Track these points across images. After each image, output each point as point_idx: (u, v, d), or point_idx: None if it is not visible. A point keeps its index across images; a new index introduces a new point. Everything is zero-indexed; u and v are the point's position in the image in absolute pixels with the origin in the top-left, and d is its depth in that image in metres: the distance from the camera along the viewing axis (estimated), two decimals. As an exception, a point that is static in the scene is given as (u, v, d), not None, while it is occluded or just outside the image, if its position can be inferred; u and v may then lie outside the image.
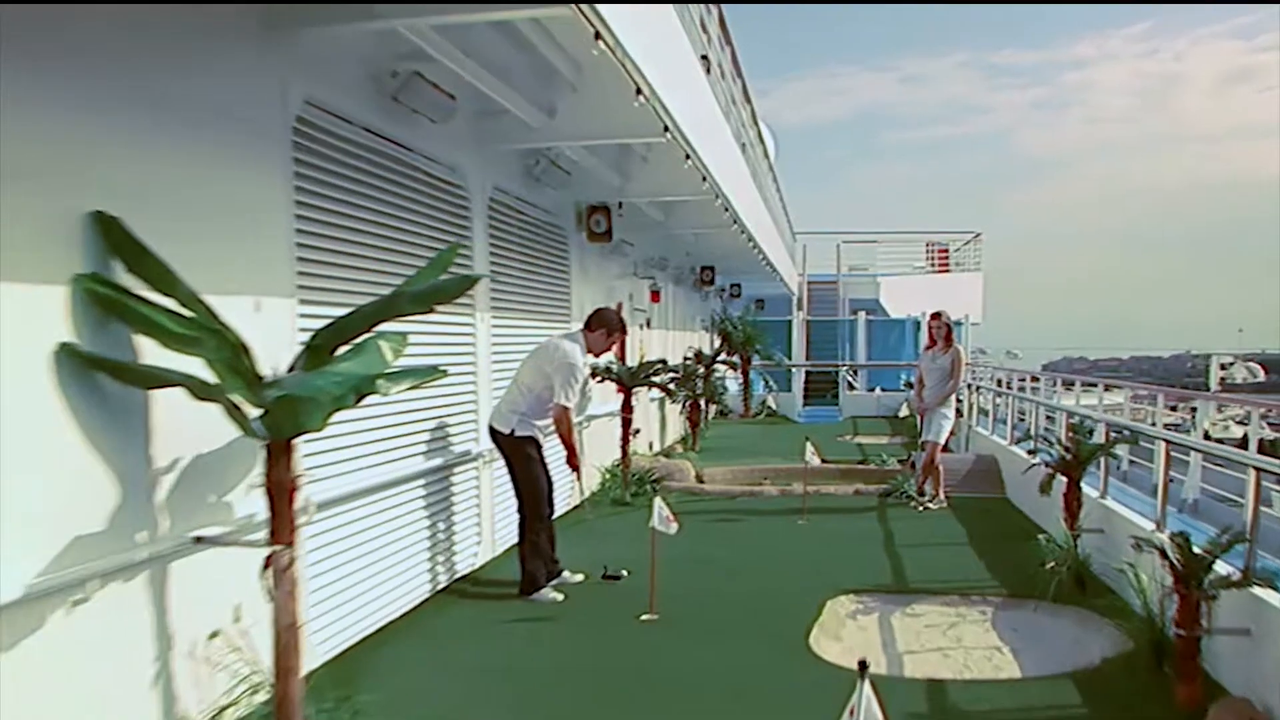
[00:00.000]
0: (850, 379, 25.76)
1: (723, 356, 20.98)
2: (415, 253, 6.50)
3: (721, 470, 12.98)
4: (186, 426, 4.18)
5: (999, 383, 20.76)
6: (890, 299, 29.99)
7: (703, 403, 16.15)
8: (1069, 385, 16.00)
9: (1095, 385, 14.42)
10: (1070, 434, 7.33)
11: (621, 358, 12.31)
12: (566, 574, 7.28)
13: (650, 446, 14.59)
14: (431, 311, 3.98)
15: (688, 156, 8.20)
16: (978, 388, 14.40)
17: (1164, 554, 4.66)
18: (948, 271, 32.83)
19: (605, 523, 9.65)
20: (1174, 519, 10.75)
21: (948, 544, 8.63)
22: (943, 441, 10.31)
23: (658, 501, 6.46)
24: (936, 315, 10.56)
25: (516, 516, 7.16)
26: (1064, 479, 7.23)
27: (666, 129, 6.98)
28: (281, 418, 3.83)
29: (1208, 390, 32.07)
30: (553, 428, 7.05)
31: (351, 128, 5.79)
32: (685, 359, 17.19)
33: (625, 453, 10.84)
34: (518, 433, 6.91)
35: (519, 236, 8.76)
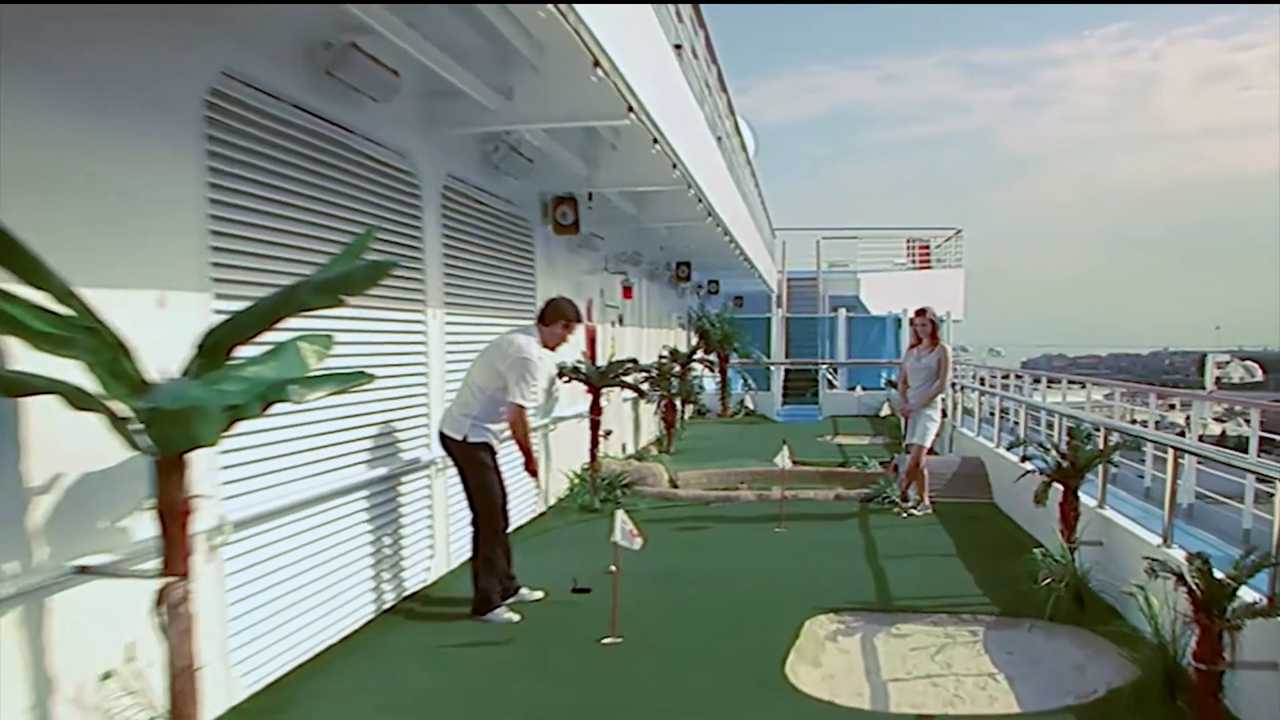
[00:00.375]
0: (830, 377, 25.27)
1: (700, 355, 20.51)
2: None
3: (696, 474, 12.45)
4: (68, 440, 3.64)
5: (981, 381, 20.42)
6: (871, 296, 29.52)
7: (678, 403, 15.61)
8: (1053, 383, 15.58)
9: (1082, 384, 13.95)
10: (1068, 439, 6.79)
11: (591, 357, 11.78)
12: (525, 591, 6.75)
13: (623, 449, 14.06)
14: (340, 304, 3.43)
15: (655, 141, 7.67)
16: (962, 387, 13.89)
17: (1181, 579, 4.15)
18: (929, 268, 32.40)
19: (572, 531, 9.14)
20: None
21: (934, 555, 8.12)
22: (928, 445, 9.81)
23: (620, 515, 5.90)
24: (921, 312, 10.05)
25: (470, 530, 6.60)
26: (1060, 488, 6.71)
27: (631, 109, 6.45)
28: (167, 430, 3.29)
29: (1203, 389, 31.58)
30: (508, 431, 6.47)
31: (279, 104, 5.23)
32: (660, 357, 16.67)
33: (594, 456, 10.31)
34: (470, 439, 6.35)
35: (478, 228, 8.22)
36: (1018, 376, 19.77)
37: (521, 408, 6.26)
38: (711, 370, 20.34)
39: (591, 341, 12.18)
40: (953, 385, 14.01)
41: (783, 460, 9.39)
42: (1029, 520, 8.55)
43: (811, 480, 12.43)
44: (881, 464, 12.63)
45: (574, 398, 10.54)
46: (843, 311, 25.93)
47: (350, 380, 3.96)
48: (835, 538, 8.79)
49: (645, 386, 14.67)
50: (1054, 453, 6.77)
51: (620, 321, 13.92)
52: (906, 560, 7.91)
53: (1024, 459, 7.43)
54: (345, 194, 5.91)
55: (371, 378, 3.98)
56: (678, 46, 10.61)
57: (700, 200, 10.56)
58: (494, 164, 8.17)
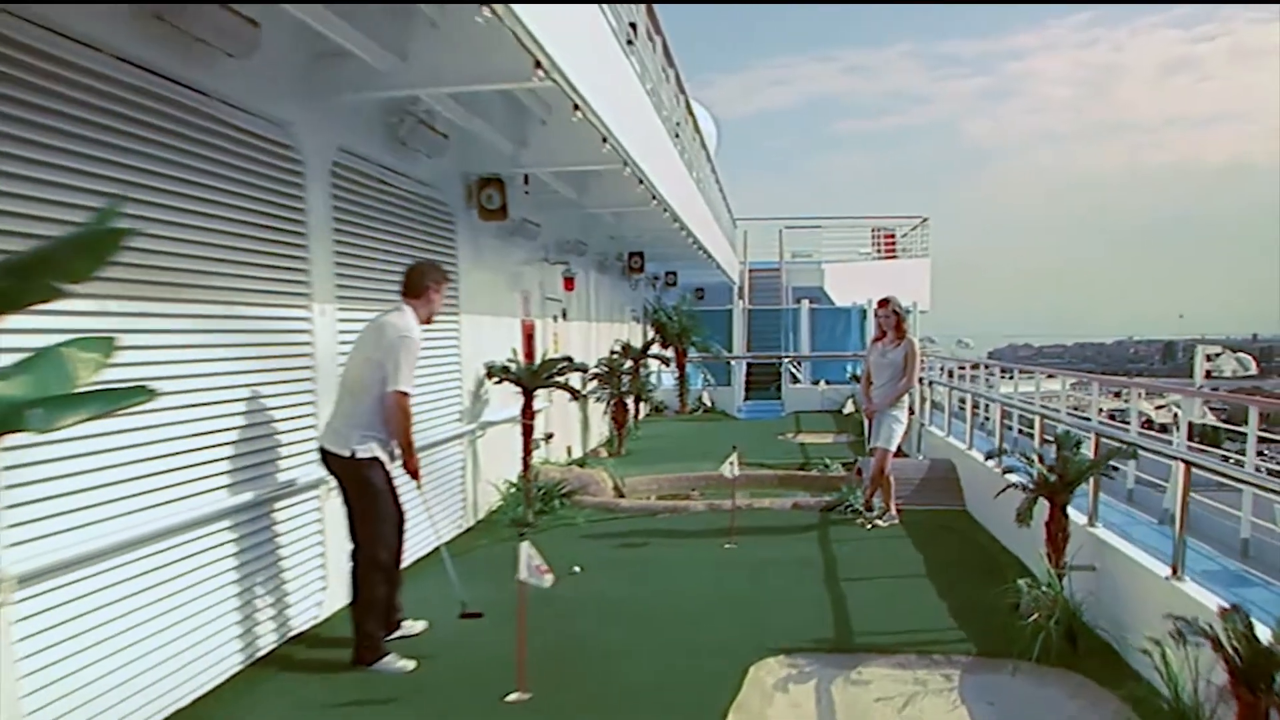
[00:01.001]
0: (794, 371, 24.40)
1: (655, 349, 19.56)
2: (218, 227, 5.03)
3: (645, 479, 11.51)
4: None
5: (949, 374, 19.59)
6: (835, 286, 28.73)
7: (630, 401, 14.65)
8: (1025, 374, 14.76)
9: (1051, 375, 13.11)
10: (1055, 449, 5.85)
11: (528, 355, 10.80)
12: (407, 624, 5.89)
13: (569, 452, 13.10)
14: (54, 295, 2.42)
15: (577, 108, 6.70)
16: (930, 382, 13.00)
17: (1217, 643, 3.24)
18: (894, 258, 31.65)
19: (500, 550, 8.16)
20: (1156, 533, 9.60)
21: (901, 576, 7.21)
22: (894, 448, 8.92)
23: (525, 548, 4.93)
24: (884, 302, 9.15)
25: (351, 563, 5.62)
26: (1045, 504, 5.79)
27: (539, 65, 5.46)
28: None
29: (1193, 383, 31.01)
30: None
31: (98, 58, 4.23)
32: (613, 353, 15.71)
33: (527, 465, 9.33)
34: (359, 454, 5.39)
35: (382, 212, 7.22)
36: (987, 369, 19.02)
37: (404, 395, 5.38)
38: (667, 365, 19.38)
39: (529, 338, 11.21)
40: (920, 380, 13.16)
41: (731, 469, 8.44)
42: (1007, 533, 7.68)
43: (769, 485, 11.55)
44: (845, 465, 11.76)
45: (506, 400, 9.55)
46: (806, 303, 25.07)
47: (124, 399, 2.95)
48: (791, 555, 7.86)
49: (591, 385, 13.81)
50: (1038, 464, 5.83)
51: (564, 316, 12.94)
52: (869, 583, 7.00)
53: (1005, 471, 6.45)
54: (199, 168, 4.93)
55: (153, 394, 2.98)
56: (632, 26, 9.75)
57: (641, 182, 9.59)
58: (400, 139, 7.19)
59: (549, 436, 11.83)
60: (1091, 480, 5.84)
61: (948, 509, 9.52)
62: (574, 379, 9.79)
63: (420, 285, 5.71)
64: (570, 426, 13.57)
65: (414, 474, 5.66)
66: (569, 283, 12.23)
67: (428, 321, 5.76)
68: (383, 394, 5.34)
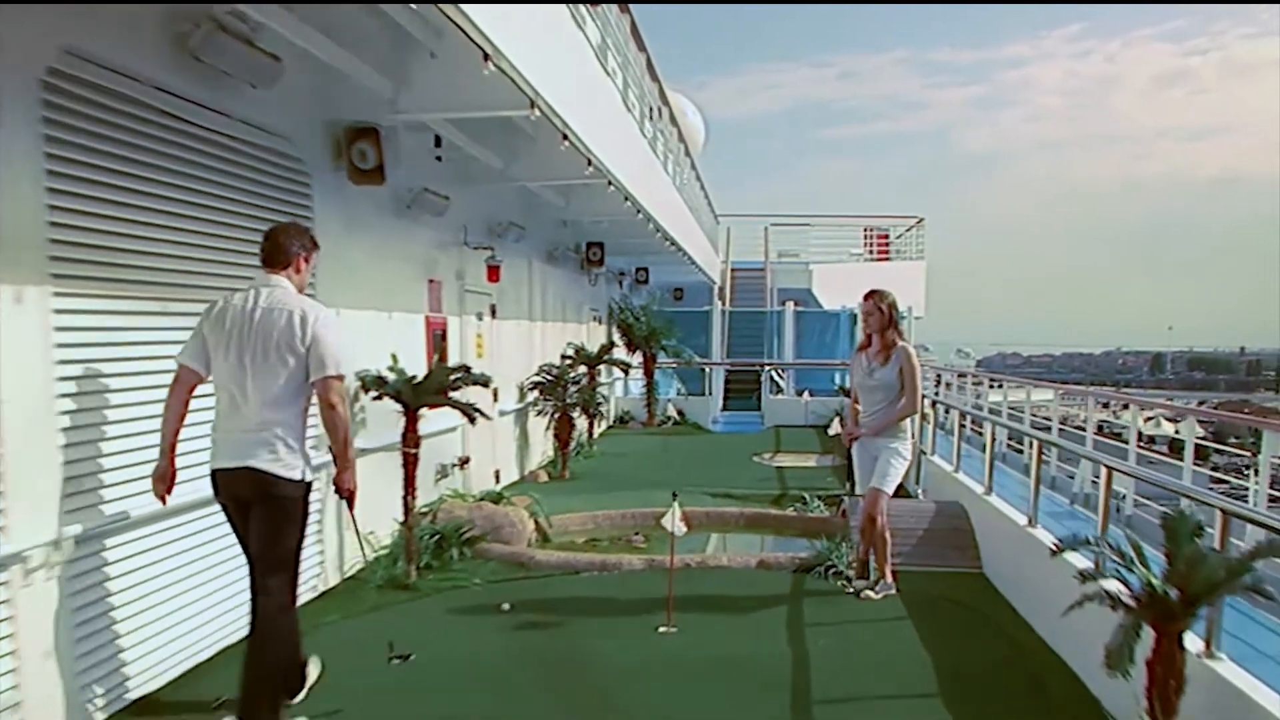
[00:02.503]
0: (777, 378, 22.23)
1: (620, 354, 17.36)
2: None
3: (579, 518, 9.31)
4: None
5: (943, 384, 17.48)
6: (824, 289, 26.64)
7: (577, 415, 12.41)
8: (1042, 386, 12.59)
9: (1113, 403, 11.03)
10: (1166, 542, 3.55)
11: (432, 356, 8.59)
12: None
13: (497, 478, 10.88)
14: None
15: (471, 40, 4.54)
16: (933, 401, 10.77)
17: None
18: (888, 259, 29.55)
19: (358, 627, 6.04)
20: None
21: (903, 697, 5.00)
22: (891, 490, 6.73)
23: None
24: (871, 294, 6.91)
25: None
26: (1152, 633, 3.53)
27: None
28: None
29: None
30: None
31: None
32: (565, 357, 13.51)
33: (409, 508, 7.08)
34: (308, 475, 4.49)
35: (165, 158, 5.00)
36: (993, 382, 16.95)
37: (340, 380, 4.48)
38: (627, 372, 17.19)
39: (438, 338, 9.00)
40: (925, 398, 10.96)
41: (673, 523, 6.18)
42: (1041, 613, 5.54)
43: (734, 527, 9.38)
44: (827, 501, 9.57)
45: (396, 420, 7.30)
46: (791, 305, 22.90)
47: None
48: (749, 651, 5.63)
49: (532, 396, 11.65)
50: (1140, 567, 3.53)
51: (492, 313, 10.71)
52: (860, 706, 4.80)
53: (1088, 577, 3.99)
54: None
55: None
56: None
57: (565, 136, 7.34)
58: (193, 53, 4.98)
59: (464, 461, 9.62)
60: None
61: (959, 571, 7.33)
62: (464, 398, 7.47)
63: (286, 252, 4.61)
64: (505, 445, 11.36)
65: (350, 494, 4.61)
66: (494, 272, 9.98)
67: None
68: (303, 389, 4.42)
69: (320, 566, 6.75)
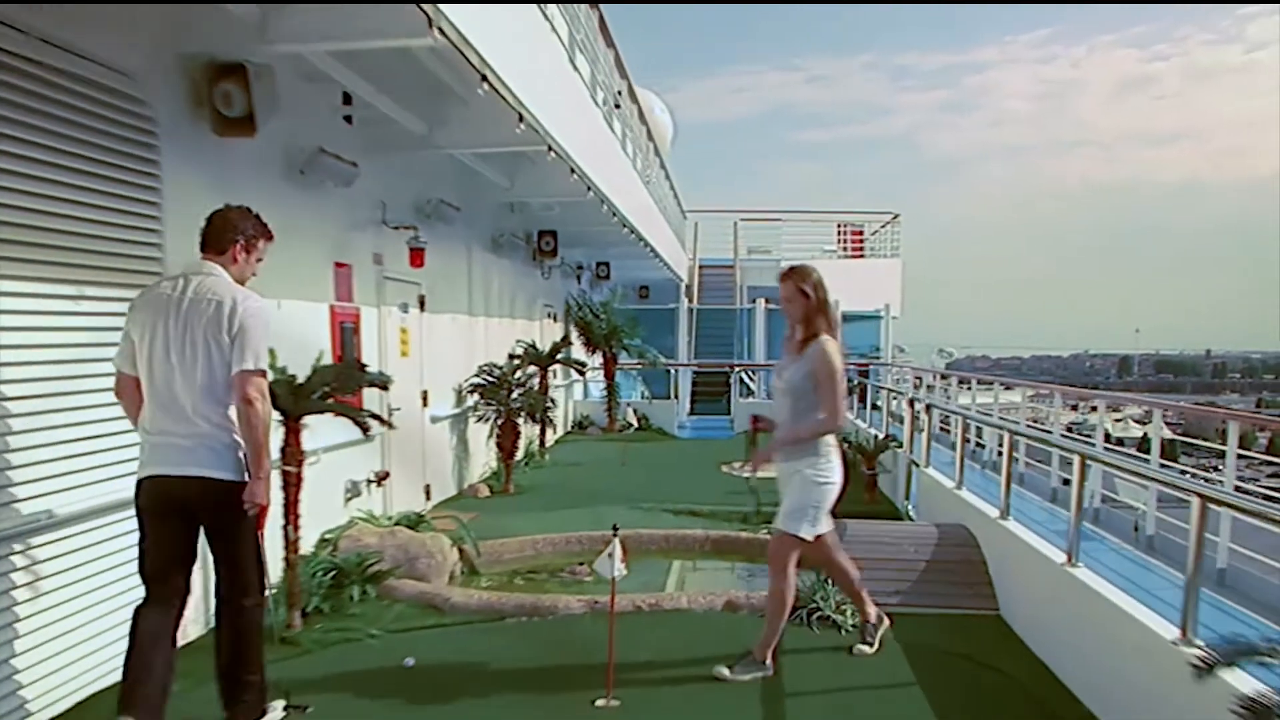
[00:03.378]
0: (747, 380, 20.93)
1: (578, 353, 16.00)
2: None
3: (515, 543, 7.91)
4: None
5: (923, 386, 16.25)
6: (796, 286, 25.32)
7: (523, 421, 10.98)
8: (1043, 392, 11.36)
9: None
10: None
11: (339, 354, 7.18)
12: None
13: (427, 494, 9.48)
14: None
15: None
16: (928, 406, 9.39)
17: None
18: (862, 256, 28.33)
19: (200, 701, 4.62)
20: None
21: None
22: (810, 535, 4.98)
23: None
24: (790, 273, 5.22)
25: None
26: None
27: None
28: None
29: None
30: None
31: None
32: (513, 357, 12.12)
33: (292, 544, 5.65)
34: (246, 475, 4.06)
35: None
36: (972, 383, 15.76)
37: (261, 375, 4.04)
38: (583, 373, 15.81)
39: (347, 332, 7.59)
40: (916, 402, 9.64)
41: (611, 565, 4.77)
42: (1092, 684, 4.22)
43: (697, 552, 8.03)
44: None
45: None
46: (762, 302, 21.64)
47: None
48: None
49: (473, 400, 10.27)
50: None
51: (420, 305, 9.29)
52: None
53: (1212, 663, 2.67)
54: None
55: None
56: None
57: (482, 80, 5.94)
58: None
59: (382, 476, 8.22)
60: None
61: (971, 613, 6.00)
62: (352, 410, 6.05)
63: (221, 238, 4.23)
64: (438, 456, 9.95)
65: (261, 510, 4.13)
66: (417, 256, 8.55)
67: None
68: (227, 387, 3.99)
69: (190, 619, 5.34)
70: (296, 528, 5.64)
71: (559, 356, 13.23)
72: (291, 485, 5.61)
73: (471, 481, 10.79)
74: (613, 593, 4.83)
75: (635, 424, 16.91)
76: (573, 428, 17.12)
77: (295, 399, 5.51)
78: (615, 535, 4.78)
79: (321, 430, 5.99)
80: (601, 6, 10.77)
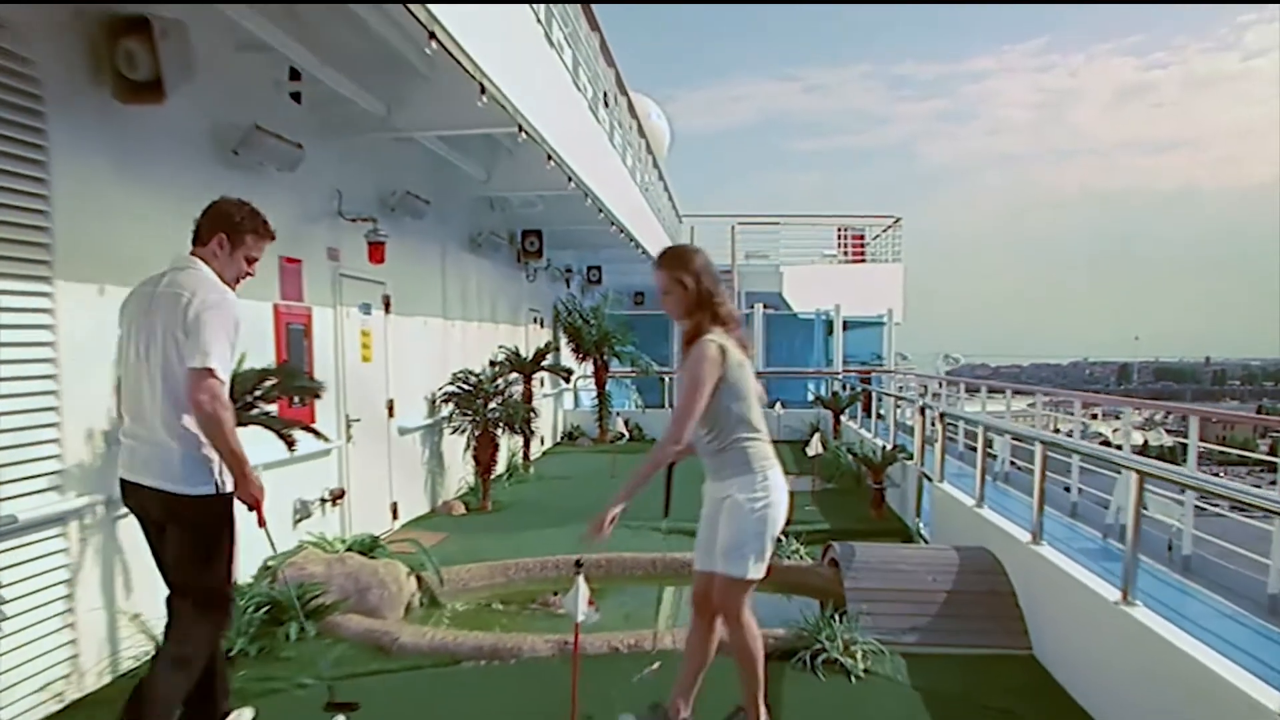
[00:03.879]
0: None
1: (568, 361, 15.20)
2: None
3: (486, 568, 7.11)
4: None
5: (929, 394, 15.47)
6: (795, 292, 24.65)
7: (502, 433, 10.16)
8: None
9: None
10: None
11: (284, 358, 6.38)
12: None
13: (394, 514, 8.69)
14: None
15: None
16: (941, 414, 8.56)
17: None
18: (863, 261, 27.59)
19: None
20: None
21: None
22: (750, 572, 3.92)
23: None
24: (665, 256, 4.07)
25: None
26: None
27: None
28: None
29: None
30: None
31: None
32: (494, 363, 11.34)
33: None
34: (224, 487, 3.69)
35: None
36: (982, 392, 15.03)
37: (209, 374, 3.54)
38: (568, 379, 15.02)
39: (296, 334, 6.79)
40: (928, 410, 8.82)
41: (576, 605, 3.92)
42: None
43: (688, 577, 7.16)
44: (807, 539, 7.47)
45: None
46: (760, 307, 20.90)
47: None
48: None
49: (447, 409, 9.50)
50: None
51: (387, 306, 8.51)
52: None
53: None
54: None
55: None
56: None
57: (443, 45, 5.18)
58: None
59: (337, 495, 7.42)
60: None
61: (1000, 653, 5.19)
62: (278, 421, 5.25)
63: (201, 229, 3.84)
64: (407, 471, 9.15)
65: (256, 504, 3.72)
66: (376, 251, 7.75)
67: (232, 284, 3.82)
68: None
69: (70, 664, 4.56)
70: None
71: (544, 363, 12.40)
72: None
73: (446, 498, 9.98)
74: (575, 639, 4.02)
75: (627, 434, 16.09)
76: (562, 438, 16.34)
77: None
78: (579, 572, 3.96)
79: (263, 444, 5.19)
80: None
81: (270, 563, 6.08)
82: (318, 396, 5.34)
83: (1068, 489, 10.70)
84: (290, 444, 4.92)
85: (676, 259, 3.98)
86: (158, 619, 4.17)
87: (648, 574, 7.25)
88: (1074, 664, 4.71)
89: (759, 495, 3.86)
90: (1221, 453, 11.45)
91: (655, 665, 4.66)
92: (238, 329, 3.69)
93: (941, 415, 8.05)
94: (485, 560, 7.28)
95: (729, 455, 3.91)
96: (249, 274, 3.94)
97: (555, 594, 6.57)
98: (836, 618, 5.21)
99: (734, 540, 3.87)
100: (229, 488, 3.70)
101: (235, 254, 3.84)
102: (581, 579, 3.93)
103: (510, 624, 6.16)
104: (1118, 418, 15.45)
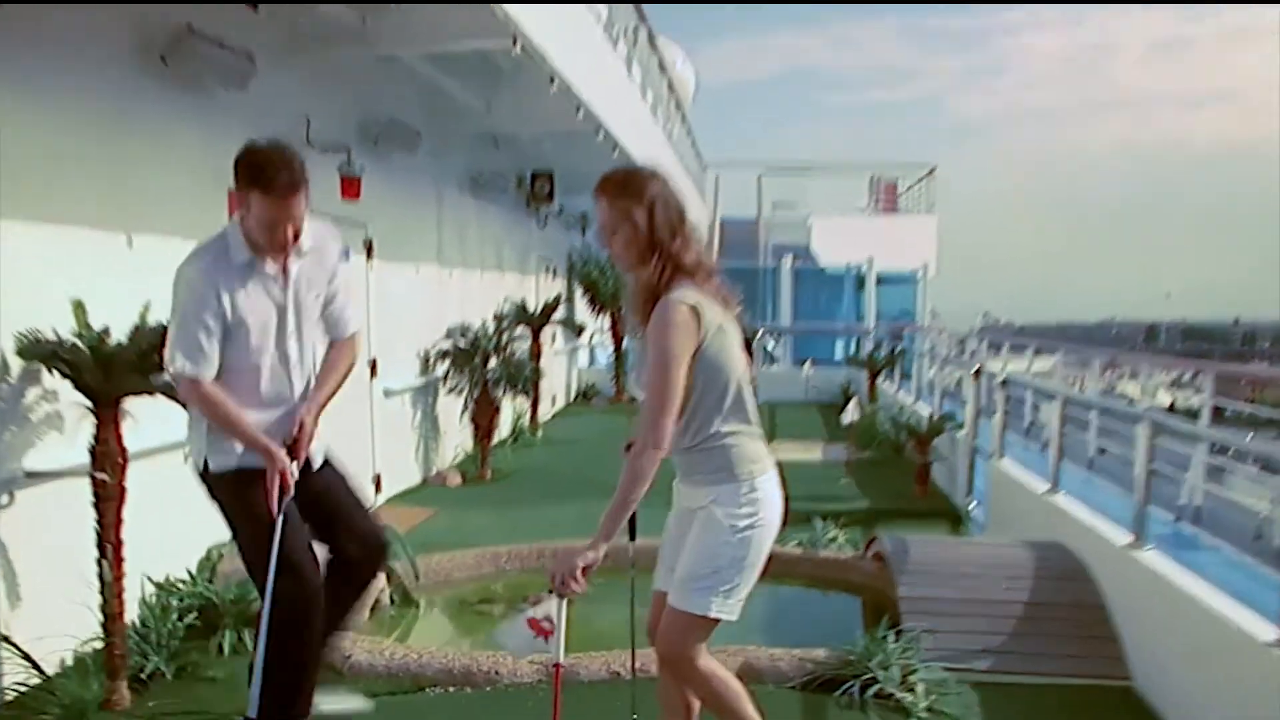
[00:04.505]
0: (770, 348, 19.12)
1: (582, 315, 14.23)
2: None
3: (474, 556, 6.17)
4: None
5: (967, 352, 14.41)
6: (824, 245, 23.60)
7: (503, 394, 9.16)
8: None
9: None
10: None
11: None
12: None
13: (377, 487, 7.75)
14: None
15: None
16: (1004, 381, 7.46)
17: None
18: (896, 212, 26.44)
19: None
20: None
21: None
22: (713, 609, 2.76)
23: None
24: (605, 184, 2.78)
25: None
26: None
27: None
28: None
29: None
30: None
31: None
32: (498, 317, 10.34)
33: (103, 579, 3.88)
34: (212, 466, 3.28)
35: None
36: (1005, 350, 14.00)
37: (182, 381, 3.21)
38: (580, 334, 14.05)
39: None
40: (978, 373, 7.77)
41: (555, 637, 2.95)
42: None
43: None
44: (844, 521, 6.46)
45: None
46: (788, 259, 19.85)
47: None
48: None
49: (443, 367, 8.55)
50: None
51: (369, 251, 7.51)
52: None
53: None
54: None
55: None
56: None
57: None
58: None
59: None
60: None
61: (1089, 683, 4.20)
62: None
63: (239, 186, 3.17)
64: (395, 438, 8.20)
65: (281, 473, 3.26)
66: (350, 185, 6.73)
67: (261, 248, 3.17)
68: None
69: None
70: (117, 563, 3.87)
71: (554, 317, 11.39)
72: (108, 500, 3.83)
73: (440, 468, 9.04)
74: (556, 684, 3.02)
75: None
76: (576, 398, 15.39)
77: (106, 374, 3.73)
78: (553, 594, 2.95)
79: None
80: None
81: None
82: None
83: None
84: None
85: (623, 185, 2.78)
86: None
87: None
88: (1192, 702, 3.70)
89: (744, 511, 2.76)
90: (1251, 415, 10.60)
91: None
92: (192, 297, 3.10)
93: (1004, 383, 6.98)
94: (473, 544, 6.34)
95: (705, 455, 2.79)
96: (283, 243, 3.15)
97: (549, 591, 5.60)
98: (890, 635, 4.22)
99: (701, 565, 2.79)
100: (217, 467, 3.29)
101: (247, 217, 3.14)
102: (553, 600, 2.94)
103: (492, 634, 5.20)
104: (1134, 377, 14.51)
